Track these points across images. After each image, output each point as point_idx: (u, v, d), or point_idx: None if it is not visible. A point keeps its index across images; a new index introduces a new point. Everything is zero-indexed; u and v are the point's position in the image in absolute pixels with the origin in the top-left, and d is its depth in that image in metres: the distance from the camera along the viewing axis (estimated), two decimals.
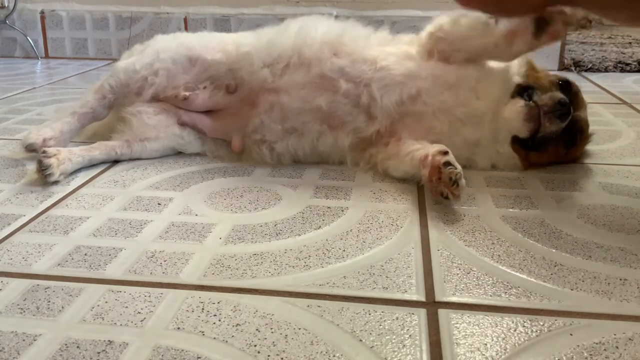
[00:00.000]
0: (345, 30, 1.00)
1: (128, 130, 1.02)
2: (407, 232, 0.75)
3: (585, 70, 1.90)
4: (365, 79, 0.95)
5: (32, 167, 0.96)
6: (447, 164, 0.81)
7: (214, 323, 0.56)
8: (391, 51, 0.98)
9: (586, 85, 1.69)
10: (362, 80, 0.95)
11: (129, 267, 0.67)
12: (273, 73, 0.99)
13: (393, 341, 0.53)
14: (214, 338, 0.54)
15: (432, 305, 0.59)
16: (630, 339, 0.54)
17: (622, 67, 1.90)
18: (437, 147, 0.85)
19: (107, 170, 0.98)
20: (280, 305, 0.59)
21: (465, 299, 0.60)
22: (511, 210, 0.82)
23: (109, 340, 0.54)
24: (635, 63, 1.89)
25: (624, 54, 1.90)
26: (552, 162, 0.97)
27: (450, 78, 0.94)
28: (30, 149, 0.98)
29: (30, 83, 1.73)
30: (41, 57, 2.16)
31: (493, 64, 0.97)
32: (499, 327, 0.55)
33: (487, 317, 0.57)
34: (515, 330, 0.55)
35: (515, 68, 0.96)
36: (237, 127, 1.02)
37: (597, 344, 0.53)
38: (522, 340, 0.54)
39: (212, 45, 1.05)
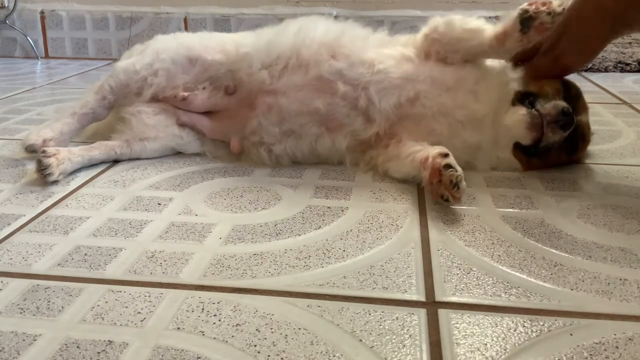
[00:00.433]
0: (343, 32, 1.00)
1: (128, 130, 1.03)
2: (407, 232, 0.75)
3: (585, 70, 1.90)
4: (363, 82, 0.94)
5: (32, 167, 0.96)
6: (448, 166, 0.80)
7: (214, 323, 0.56)
8: (389, 54, 0.97)
9: (586, 85, 1.69)
10: (360, 83, 0.95)
11: (129, 267, 0.67)
12: (271, 75, 0.98)
13: (393, 341, 0.53)
14: (214, 338, 0.54)
15: (432, 305, 0.59)
16: (630, 339, 0.54)
17: (622, 67, 1.90)
18: (437, 149, 0.84)
19: (107, 170, 0.98)
20: (280, 305, 0.59)
21: (465, 299, 0.60)
22: (511, 210, 0.82)
23: (109, 340, 0.54)
24: (635, 63, 1.89)
25: (624, 54, 1.90)
26: (553, 166, 0.97)
27: (448, 80, 0.94)
28: (31, 150, 0.98)
29: (30, 83, 1.73)
30: (41, 57, 2.16)
31: (491, 64, 0.96)
32: (499, 327, 0.55)
33: (487, 317, 0.57)
34: (515, 330, 0.55)
35: (514, 74, 0.95)
36: (235, 128, 1.02)
37: (597, 344, 0.53)
38: (522, 340, 0.54)
39: (212, 45, 1.05)
